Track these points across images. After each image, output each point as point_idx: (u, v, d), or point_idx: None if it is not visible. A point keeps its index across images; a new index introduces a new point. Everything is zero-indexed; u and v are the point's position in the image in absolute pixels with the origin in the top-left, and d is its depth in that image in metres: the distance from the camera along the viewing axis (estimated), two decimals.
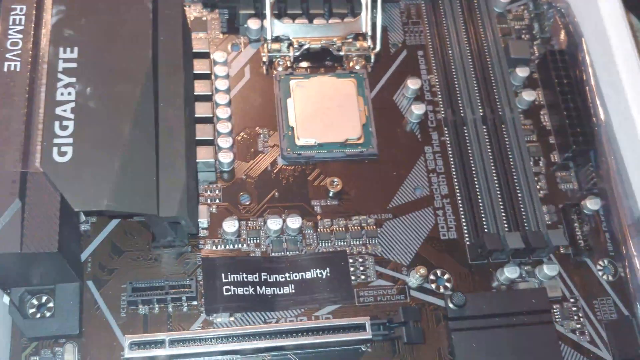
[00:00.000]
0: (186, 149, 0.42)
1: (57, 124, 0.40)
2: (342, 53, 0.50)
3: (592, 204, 0.48)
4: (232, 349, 0.41)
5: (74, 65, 0.41)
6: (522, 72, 0.51)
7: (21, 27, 0.42)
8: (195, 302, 0.43)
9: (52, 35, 0.42)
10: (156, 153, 0.40)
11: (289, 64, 0.50)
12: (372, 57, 0.50)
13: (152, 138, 0.41)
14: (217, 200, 0.46)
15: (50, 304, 0.42)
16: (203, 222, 0.45)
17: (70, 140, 0.39)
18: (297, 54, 0.50)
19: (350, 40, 0.50)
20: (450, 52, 0.51)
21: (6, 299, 0.41)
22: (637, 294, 0.45)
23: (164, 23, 0.44)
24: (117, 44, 0.42)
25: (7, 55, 0.41)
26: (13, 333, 0.41)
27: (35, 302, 0.42)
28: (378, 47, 0.50)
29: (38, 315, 0.41)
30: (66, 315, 0.41)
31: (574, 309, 0.46)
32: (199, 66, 0.48)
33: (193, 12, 0.52)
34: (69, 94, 0.41)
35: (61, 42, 0.42)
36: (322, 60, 0.51)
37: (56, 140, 0.39)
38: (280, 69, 0.50)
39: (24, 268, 0.39)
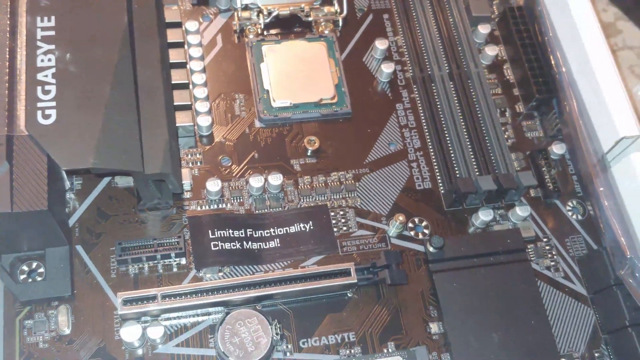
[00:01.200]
0: (166, 110, 0.43)
1: (39, 88, 0.41)
2: (310, 18, 0.52)
3: (558, 149, 0.50)
4: (223, 300, 0.42)
5: (52, 33, 0.42)
6: (483, 29, 0.53)
7: None
8: (184, 261, 0.44)
9: (28, 5, 0.43)
10: (137, 113, 0.42)
11: (259, 31, 0.51)
12: (340, 21, 0.52)
13: (132, 99, 0.42)
14: (199, 163, 0.47)
15: (41, 269, 0.42)
16: (186, 184, 0.46)
17: (53, 103, 0.40)
18: (267, 21, 0.51)
19: (318, 6, 0.52)
20: (414, 13, 0.53)
21: None
22: (606, 227, 0.47)
23: None
24: (93, 11, 0.44)
25: None
26: (6, 299, 0.42)
27: (25, 268, 0.42)
28: (345, 11, 0.52)
29: (30, 281, 0.42)
30: (58, 278, 0.42)
31: (547, 247, 0.48)
32: (173, 35, 0.49)
33: None
34: (49, 60, 0.42)
35: (38, 11, 0.43)
36: (291, 26, 0.52)
37: (40, 104, 0.40)
38: (251, 36, 0.51)
39: (14, 231, 0.40)
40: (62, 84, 0.41)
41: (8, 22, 0.42)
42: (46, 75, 0.41)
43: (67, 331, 0.41)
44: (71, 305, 0.42)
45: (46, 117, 0.40)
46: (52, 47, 0.42)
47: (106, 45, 0.43)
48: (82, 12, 0.43)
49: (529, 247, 0.47)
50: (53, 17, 0.43)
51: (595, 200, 0.48)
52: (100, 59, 0.42)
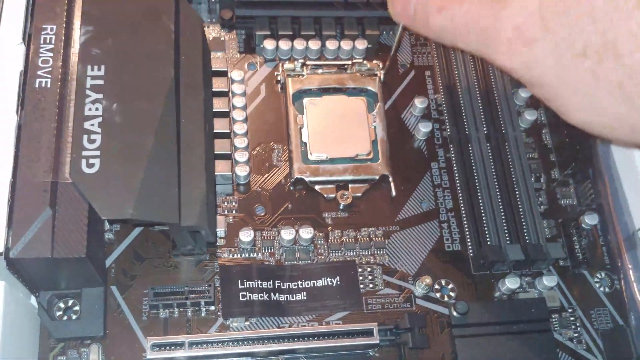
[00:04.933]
0: (206, 162, 0.44)
1: (85, 137, 0.42)
2: (349, 71, 0.53)
3: (590, 219, 0.50)
4: (248, 352, 0.43)
5: (101, 82, 0.44)
6: (524, 92, 0.54)
7: (51, 46, 0.45)
8: (212, 307, 0.45)
9: (80, 53, 0.45)
10: (178, 165, 0.43)
11: (302, 77, 0.52)
12: (381, 76, 0.53)
13: (174, 151, 0.43)
14: (234, 212, 0.49)
15: (76, 307, 0.44)
16: (220, 231, 0.47)
17: (97, 152, 0.42)
18: (310, 73, 0.52)
19: (361, 60, 0.53)
20: (456, 72, 0.53)
21: (33, 301, 0.44)
22: (631, 304, 0.47)
23: (185, 43, 0.47)
24: (141, 62, 0.45)
25: (39, 72, 0.44)
26: (41, 334, 0.44)
27: (62, 305, 0.44)
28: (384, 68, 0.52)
29: (65, 318, 0.44)
30: (91, 318, 0.44)
31: (571, 318, 0.48)
32: (218, 84, 0.51)
33: (212, 32, 0.54)
34: (97, 109, 0.43)
35: (89, 60, 0.44)
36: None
37: (85, 153, 0.42)
38: (294, 82, 0.52)
39: (53, 272, 0.42)
40: (108, 133, 0.42)
41: (60, 70, 0.44)
42: (92, 124, 0.43)
43: None
44: (103, 344, 0.44)
45: (90, 165, 0.41)
46: (100, 96, 0.43)
47: (152, 96, 0.44)
48: (131, 63, 0.45)
49: (553, 316, 0.48)
50: (103, 67, 0.44)
51: (623, 275, 0.48)
52: (145, 110, 0.44)
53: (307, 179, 0.49)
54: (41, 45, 0.45)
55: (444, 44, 0.42)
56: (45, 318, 0.43)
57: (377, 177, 0.49)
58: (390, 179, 0.49)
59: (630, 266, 0.47)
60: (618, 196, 0.49)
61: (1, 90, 0.45)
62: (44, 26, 0.45)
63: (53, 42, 0.45)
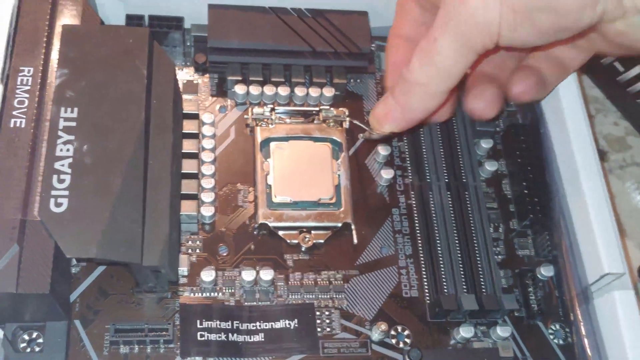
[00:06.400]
0: (170, 202, 0.46)
1: (55, 177, 0.44)
2: (320, 121, 0.54)
3: (546, 271, 0.52)
4: None
5: (73, 124, 0.46)
6: (486, 143, 0.55)
7: (28, 87, 0.47)
8: (171, 345, 0.47)
9: (55, 95, 0.46)
10: (143, 206, 0.45)
11: (270, 126, 0.54)
12: (347, 123, 0.55)
13: (140, 192, 0.45)
14: (198, 250, 0.50)
15: (40, 340, 0.45)
16: (183, 270, 0.49)
17: (66, 192, 0.43)
18: (279, 121, 0.54)
19: (328, 106, 0.55)
20: None
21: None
22: (582, 358, 0.48)
23: (157, 87, 0.49)
24: (114, 105, 0.47)
25: (14, 113, 0.46)
26: None
27: (26, 337, 0.45)
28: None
29: (28, 350, 0.45)
30: (54, 351, 0.45)
31: None
32: (188, 126, 0.52)
33: (186, 75, 0.56)
34: (67, 150, 0.45)
35: (63, 102, 0.46)
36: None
37: (54, 192, 0.43)
38: (262, 130, 0.54)
39: (18, 306, 0.43)
40: (77, 174, 0.44)
41: (35, 111, 0.46)
42: (63, 165, 0.44)
43: None
44: None
45: (58, 205, 0.43)
46: (72, 137, 0.45)
47: (122, 138, 0.46)
48: (103, 105, 0.46)
49: None
50: (76, 109, 0.46)
51: (575, 328, 0.50)
52: (115, 152, 0.45)
53: (270, 225, 0.50)
54: (17, 87, 0.47)
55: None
56: (9, 350, 0.45)
57: (339, 225, 0.51)
58: (353, 227, 0.51)
59: (581, 320, 0.49)
60: (573, 250, 0.50)
61: None
62: (21, 67, 0.47)
63: (30, 83, 0.47)
